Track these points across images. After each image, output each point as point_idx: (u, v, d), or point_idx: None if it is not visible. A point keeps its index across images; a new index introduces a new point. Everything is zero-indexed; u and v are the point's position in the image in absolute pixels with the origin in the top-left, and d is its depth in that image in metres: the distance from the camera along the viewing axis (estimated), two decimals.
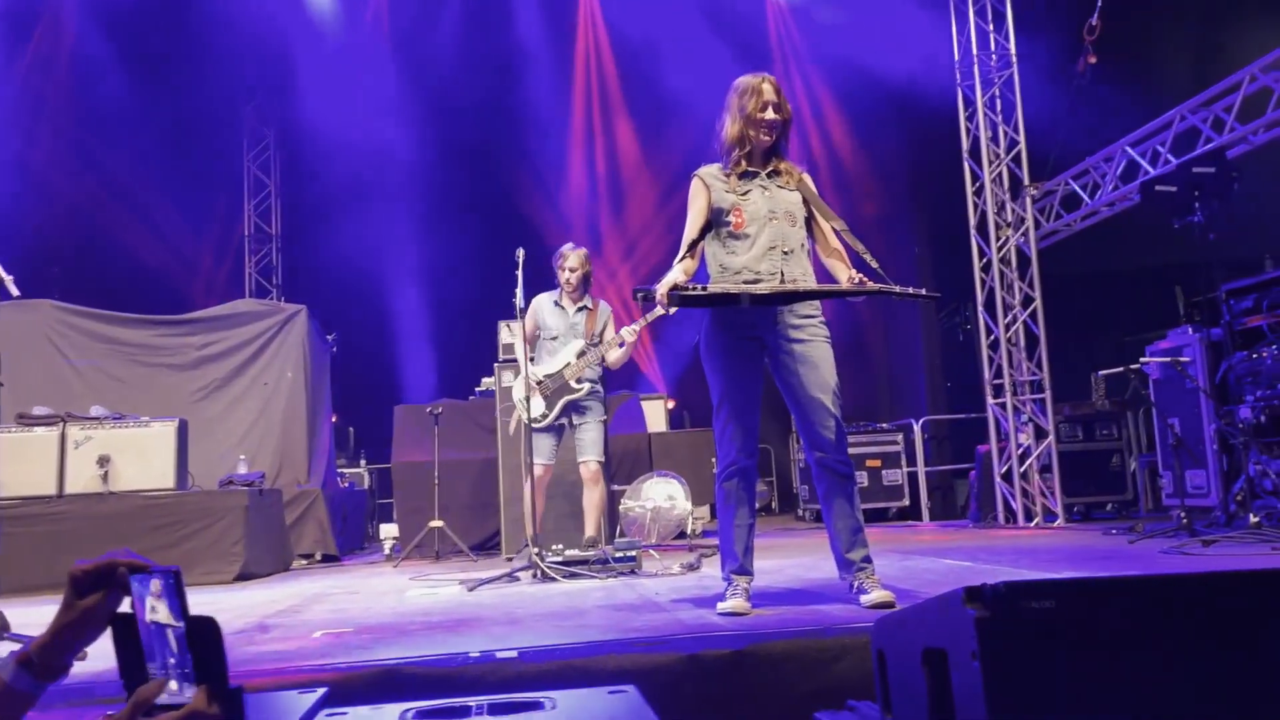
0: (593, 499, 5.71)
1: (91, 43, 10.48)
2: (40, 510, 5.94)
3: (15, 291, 3.62)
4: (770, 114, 3.46)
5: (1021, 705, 1.34)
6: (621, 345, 5.60)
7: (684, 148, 9.55)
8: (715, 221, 3.53)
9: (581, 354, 5.69)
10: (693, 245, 3.50)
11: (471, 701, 2.16)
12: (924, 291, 3.41)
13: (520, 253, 5.38)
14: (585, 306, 5.86)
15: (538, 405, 5.65)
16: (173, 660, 1.20)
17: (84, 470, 6.20)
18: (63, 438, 6.24)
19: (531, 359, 5.78)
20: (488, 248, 8.30)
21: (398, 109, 10.93)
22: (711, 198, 3.51)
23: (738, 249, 3.47)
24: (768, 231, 3.46)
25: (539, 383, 5.67)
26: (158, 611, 1.22)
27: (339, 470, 9.09)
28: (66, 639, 1.26)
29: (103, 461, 6.20)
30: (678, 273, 3.39)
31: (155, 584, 1.22)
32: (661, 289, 3.31)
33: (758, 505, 3.68)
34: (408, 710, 2.09)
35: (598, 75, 12.07)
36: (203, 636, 1.18)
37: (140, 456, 6.29)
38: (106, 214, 10.63)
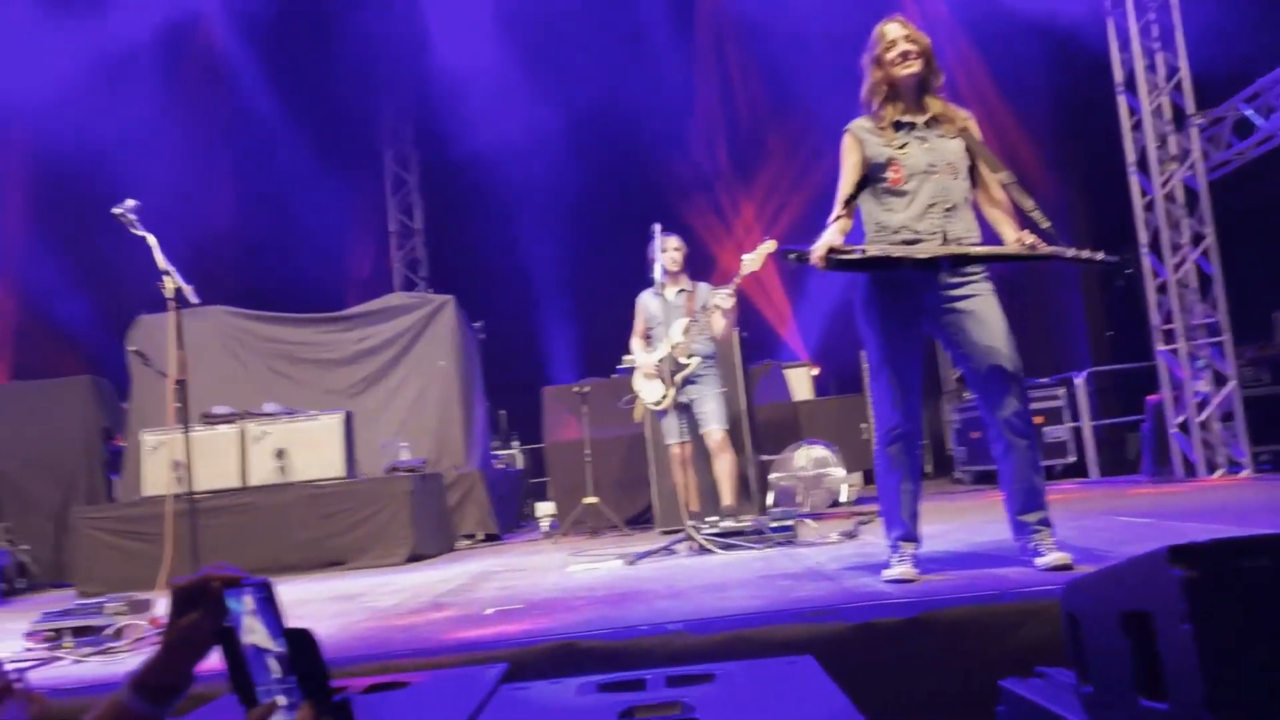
0: (724, 468, 5.81)
1: (237, 58, 11.06)
2: (228, 502, 6.36)
3: (194, 300, 3.86)
4: (902, 45, 3.30)
5: (1240, 671, 1.25)
6: (720, 312, 5.65)
7: (814, 102, 9.33)
8: (871, 177, 3.37)
9: (686, 330, 5.79)
10: (848, 202, 3.38)
11: (647, 674, 2.18)
12: (1100, 255, 3.13)
13: (657, 227, 5.44)
14: (683, 289, 6.01)
15: (656, 390, 5.88)
16: (276, 677, 1.19)
17: (263, 463, 6.60)
18: (243, 434, 6.66)
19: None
20: (624, 223, 8.35)
21: (527, 92, 11.08)
22: (866, 153, 3.36)
23: (895, 206, 3.33)
24: (928, 187, 3.30)
25: (654, 368, 5.86)
26: (254, 632, 1.20)
27: (494, 453, 9.37)
28: (173, 659, 1.23)
29: (279, 454, 6.58)
30: (834, 233, 3.28)
31: (247, 600, 1.20)
32: (818, 251, 3.20)
33: None
34: (586, 683, 2.13)
35: (721, 35, 11.93)
36: (301, 650, 1.16)
37: (312, 448, 6.64)
38: (262, 221, 11.20)
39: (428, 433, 8.01)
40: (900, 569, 3.23)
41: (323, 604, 4.37)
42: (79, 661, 3.36)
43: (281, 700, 1.19)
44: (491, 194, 11.28)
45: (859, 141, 3.39)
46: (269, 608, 1.19)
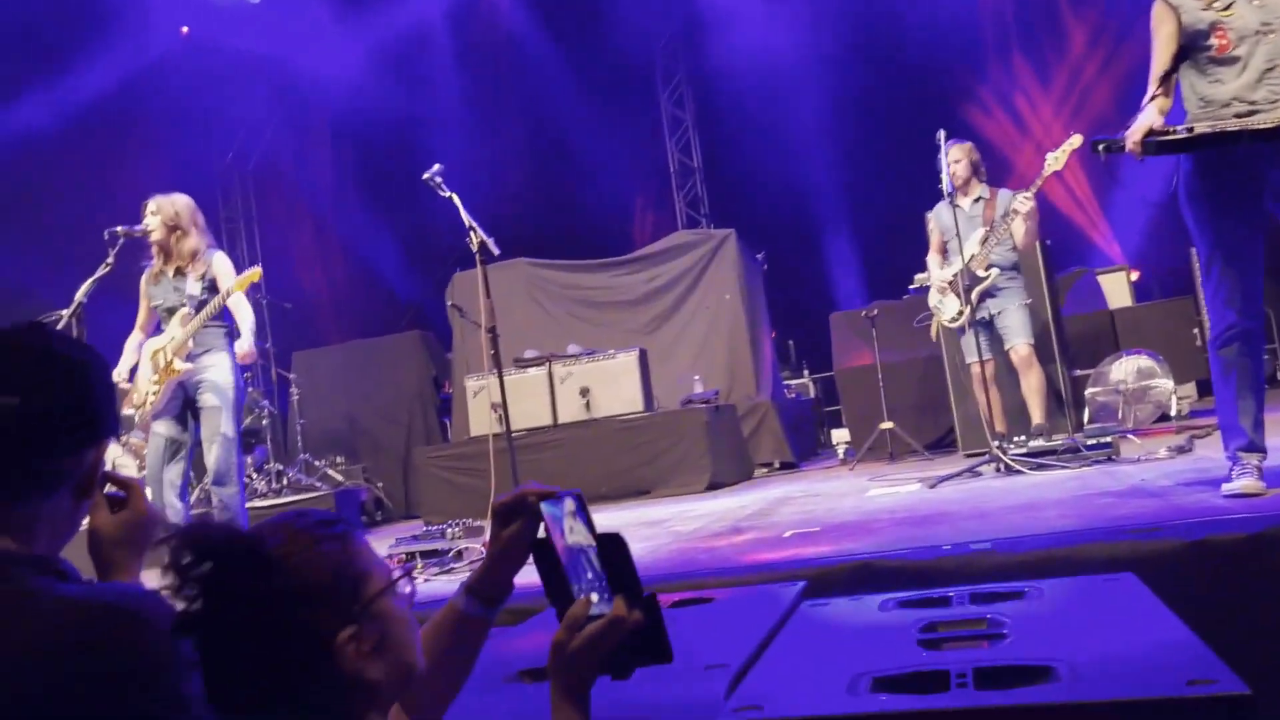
0: (1031, 384, 5.48)
1: (516, 19, 11.67)
2: (542, 439, 6.87)
3: (496, 251, 4.17)
4: None
5: None
6: (1020, 217, 5.22)
7: None
8: (1190, 46, 2.98)
9: (983, 241, 5.41)
10: (1164, 79, 3.00)
11: (951, 591, 2.12)
12: None
13: (941, 134, 5.16)
14: (980, 197, 5.66)
15: (952, 306, 5.61)
16: (590, 577, 1.28)
17: (570, 401, 7.05)
18: (550, 375, 7.15)
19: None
20: (909, 136, 7.96)
21: (796, 13, 10.81)
22: (1181, 20, 2.97)
23: (1224, 76, 2.91)
24: (1263, 49, 2.85)
25: (949, 283, 5.57)
26: (575, 532, 1.30)
27: (784, 382, 9.40)
28: (499, 567, 1.39)
29: (584, 393, 7.01)
30: (1151, 114, 2.92)
31: (568, 503, 1.31)
32: (1134, 135, 2.88)
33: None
34: (887, 600, 2.11)
35: None
36: (613, 551, 1.25)
37: (612, 385, 7.01)
38: (551, 174, 11.85)
39: (719, 365, 8.18)
40: (1242, 483, 2.89)
41: (631, 529, 4.62)
42: (428, 580, 3.81)
43: (594, 597, 1.29)
44: (767, 123, 11.15)
45: (1172, 10, 2.99)
46: (584, 512, 1.31)
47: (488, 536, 1.46)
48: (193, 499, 4.83)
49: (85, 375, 1.22)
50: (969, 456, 5.92)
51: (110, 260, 4.29)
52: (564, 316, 8.72)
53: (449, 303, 8.29)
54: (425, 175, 4.20)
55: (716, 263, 8.36)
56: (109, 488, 1.34)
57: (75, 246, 6.97)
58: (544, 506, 1.35)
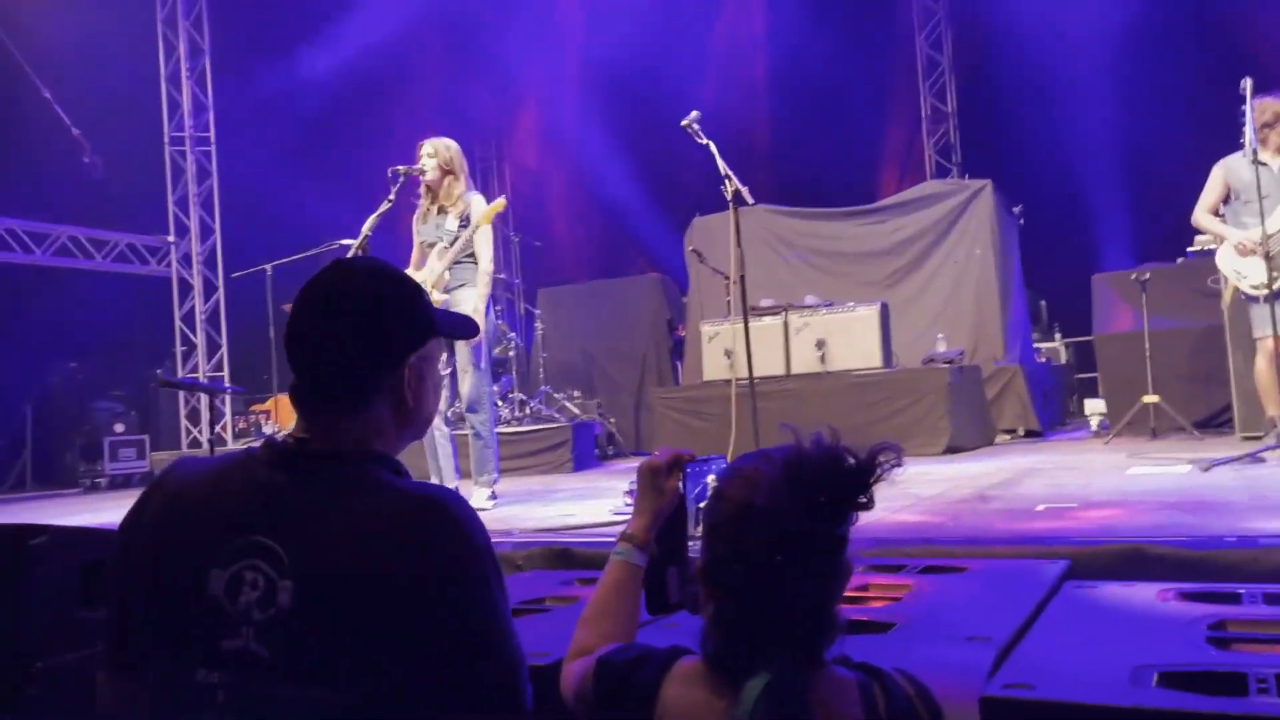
0: None
1: None
2: (775, 388, 6.84)
3: (750, 200, 4.16)
4: None
5: None
6: None
7: None
8: None
9: None
10: None
11: (1241, 588, 1.96)
12: None
13: (1246, 84, 4.63)
14: None
15: (1258, 271, 4.95)
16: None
17: (805, 353, 6.99)
18: (785, 325, 7.10)
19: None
20: (1201, 80, 7.19)
21: None
22: None
23: None
24: None
25: (1259, 244, 4.89)
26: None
27: (1035, 346, 8.87)
28: (660, 515, 1.52)
29: (819, 344, 6.92)
30: None
31: (716, 465, 1.59)
32: None
33: None
34: (1165, 589, 1.98)
35: None
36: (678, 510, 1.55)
37: (849, 339, 6.87)
38: (793, 119, 11.59)
39: (964, 324, 7.83)
40: None
41: None
42: None
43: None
44: (1033, 67, 10.34)
45: None
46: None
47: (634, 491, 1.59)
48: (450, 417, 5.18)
49: (414, 299, 1.40)
50: (1246, 440, 5.38)
51: (392, 196, 4.63)
52: (800, 265, 8.61)
53: (688, 248, 8.40)
54: (684, 122, 4.22)
55: (969, 215, 7.96)
56: None
57: (352, 184, 7.60)
58: (692, 467, 1.55)
